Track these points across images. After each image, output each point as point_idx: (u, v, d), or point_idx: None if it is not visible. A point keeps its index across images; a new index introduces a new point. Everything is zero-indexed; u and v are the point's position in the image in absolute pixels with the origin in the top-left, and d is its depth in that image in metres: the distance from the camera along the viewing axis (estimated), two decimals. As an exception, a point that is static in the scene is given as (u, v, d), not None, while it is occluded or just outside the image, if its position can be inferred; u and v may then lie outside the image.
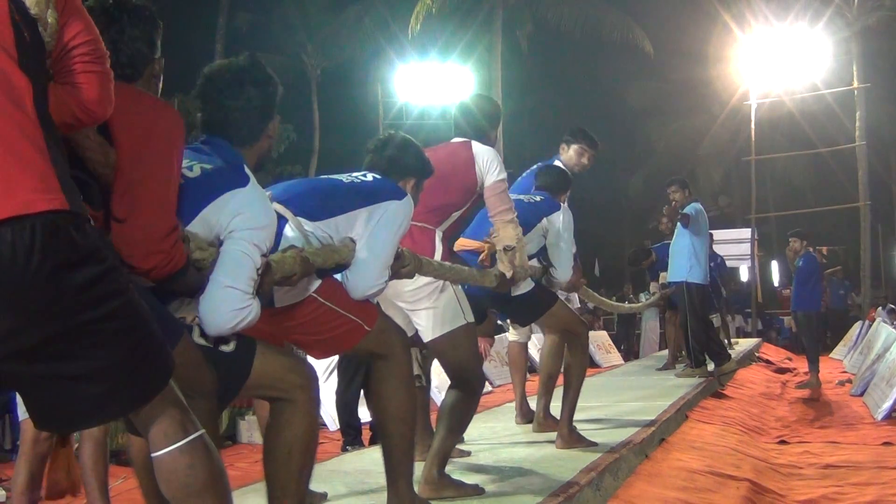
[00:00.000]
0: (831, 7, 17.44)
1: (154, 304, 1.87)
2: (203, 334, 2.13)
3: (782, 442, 5.74)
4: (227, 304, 2.04)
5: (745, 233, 17.46)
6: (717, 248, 17.38)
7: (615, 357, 13.36)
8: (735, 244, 17.43)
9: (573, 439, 4.15)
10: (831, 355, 13.30)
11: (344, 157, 24.44)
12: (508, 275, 3.46)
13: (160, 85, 2.12)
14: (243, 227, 2.06)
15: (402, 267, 2.75)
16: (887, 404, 6.40)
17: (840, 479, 4.42)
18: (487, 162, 3.43)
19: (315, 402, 2.27)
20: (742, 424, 6.08)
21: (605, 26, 19.06)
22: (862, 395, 7.68)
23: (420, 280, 3.09)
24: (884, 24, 17.88)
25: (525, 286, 3.96)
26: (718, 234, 18.25)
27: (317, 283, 2.48)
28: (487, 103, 3.81)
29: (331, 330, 2.53)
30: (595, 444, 4.14)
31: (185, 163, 2.12)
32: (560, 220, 4.23)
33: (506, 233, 3.43)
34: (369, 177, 2.76)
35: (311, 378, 2.28)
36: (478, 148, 3.47)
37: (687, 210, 7.50)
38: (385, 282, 2.63)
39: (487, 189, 3.42)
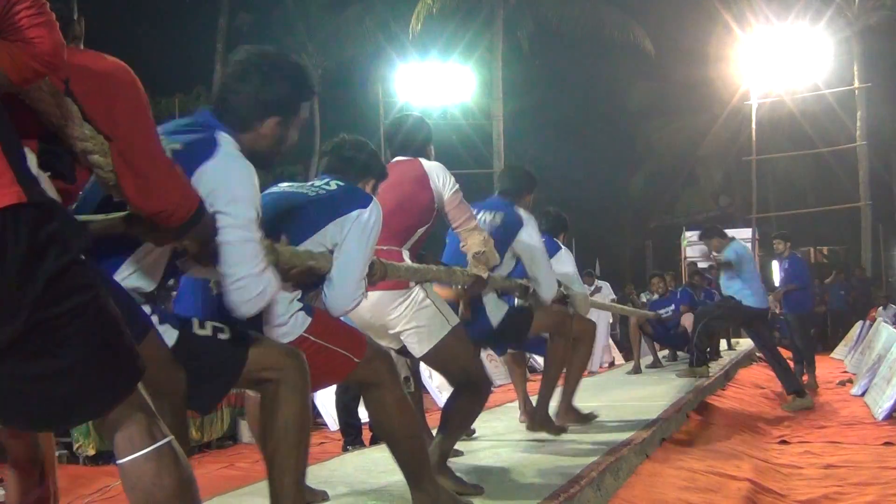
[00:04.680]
0: (832, 7, 17.43)
1: (121, 301, 1.83)
2: (202, 325, 2.14)
3: (783, 442, 5.74)
4: (247, 294, 2.08)
5: (746, 233, 17.42)
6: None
7: (615, 356, 13.36)
8: (736, 244, 17.41)
9: (571, 416, 4.35)
10: (832, 355, 13.30)
11: (344, 157, 24.59)
12: (485, 276, 3.52)
13: (81, 47, 1.96)
14: (224, 205, 2.02)
15: (371, 275, 2.74)
16: (888, 404, 6.39)
17: (841, 479, 4.42)
18: (440, 178, 3.44)
19: (308, 383, 2.27)
20: (743, 424, 6.08)
21: (606, 26, 19.07)
22: (863, 395, 7.67)
23: (400, 306, 3.15)
24: (885, 23, 17.87)
25: (497, 312, 3.98)
26: (719, 234, 18.33)
27: (308, 321, 2.47)
28: (421, 123, 3.77)
29: (322, 367, 2.50)
30: (594, 416, 4.37)
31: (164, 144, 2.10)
32: (526, 236, 4.11)
33: (473, 240, 3.49)
34: (332, 185, 2.71)
35: (305, 361, 2.27)
36: (428, 165, 3.47)
37: (726, 252, 7.50)
38: (363, 293, 2.59)
39: (446, 203, 3.44)
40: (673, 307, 9.39)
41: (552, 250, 4.85)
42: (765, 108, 18.84)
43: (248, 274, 2.06)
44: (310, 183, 2.77)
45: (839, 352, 13.35)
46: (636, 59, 20.99)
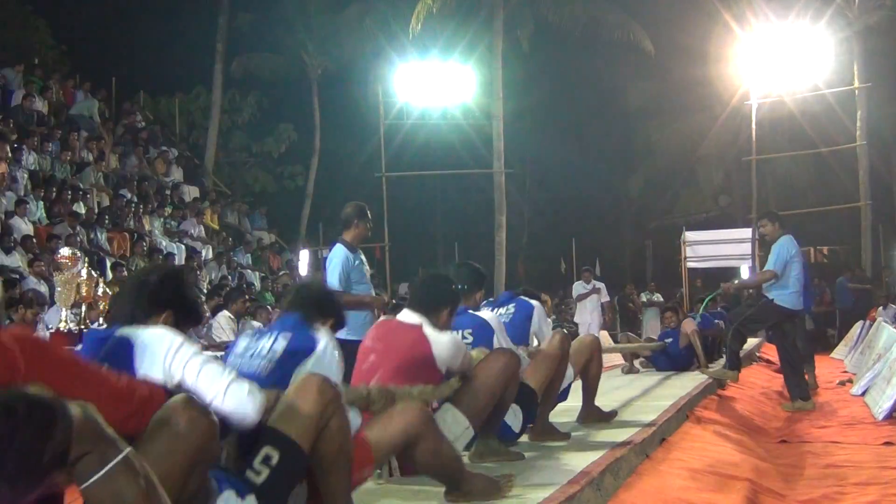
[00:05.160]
0: (832, 6, 17.41)
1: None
2: (257, 471, 2.30)
3: (783, 441, 5.74)
4: (241, 394, 2.25)
5: (746, 233, 17.43)
6: (718, 248, 17.42)
7: (615, 357, 13.33)
8: (736, 244, 17.43)
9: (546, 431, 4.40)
10: (832, 355, 13.29)
11: (344, 157, 24.57)
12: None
13: None
14: (171, 358, 2.25)
15: (369, 404, 2.85)
16: (888, 404, 6.38)
17: (841, 479, 4.42)
18: (450, 358, 3.35)
19: (344, 409, 2.49)
20: (743, 424, 6.07)
21: (606, 26, 19.06)
22: (863, 395, 7.67)
23: None
24: (885, 23, 17.85)
25: (513, 419, 4.05)
26: (719, 234, 18.32)
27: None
28: (443, 284, 3.65)
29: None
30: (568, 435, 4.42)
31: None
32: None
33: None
34: (280, 343, 2.71)
35: (337, 398, 2.45)
36: (436, 340, 3.36)
37: (779, 243, 7.29)
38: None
39: (454, 371, 3.41)
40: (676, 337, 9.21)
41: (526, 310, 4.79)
42: (765, 108, 18.81)
43: (228, 381, 2.24)
44: (258, 348, 2.74)
45: (839, 352, 13.35)
46: (636, 59, 20.98)
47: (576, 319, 14.03)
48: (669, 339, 9.17)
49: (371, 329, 3.58)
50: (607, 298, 13.79)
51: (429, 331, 3.39)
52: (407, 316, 3.50)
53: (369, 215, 5.67)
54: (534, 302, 4.79)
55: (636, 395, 6.73)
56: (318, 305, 2.92)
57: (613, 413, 5.22)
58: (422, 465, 2.97)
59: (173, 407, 2.06)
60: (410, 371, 3.28)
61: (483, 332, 3.98)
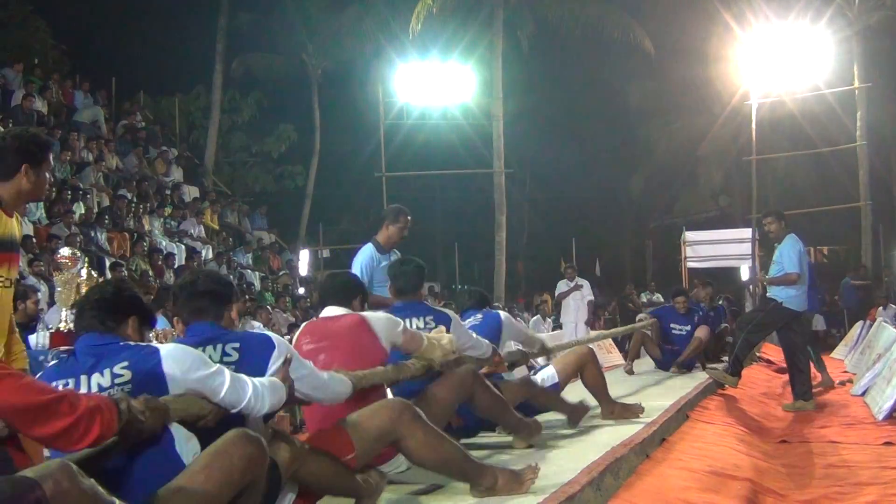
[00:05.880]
0: (832, 6, 17.42)
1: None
2: None
3: (783, 441, 5.74)
4: None
5: (746, 233, 17.43)
6: (718, 248, 17.41)
7: (616, 357, 13.32)
8: (736, 244, 17.41)
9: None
10: (832, 355, 13.28)
11: (344, 157, 24.54)
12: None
13: None
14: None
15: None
16: (888, 404, 6.38)
17: (841, 479, 4.42)
18: (388, 331, 3.43)
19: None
20: (743, 424, 6.07)
21: (606, 26, 19.06)
22: (863, 395, 7.67)
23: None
24: (885, 23, 17.86)
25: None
26: (719, 234, 18.32)
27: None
28: (348, 279, 3.85)
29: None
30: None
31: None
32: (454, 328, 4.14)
33: (435, 354, 3.62)
34: (121, 375, 2.35)
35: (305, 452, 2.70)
36: (373, 320, 3.44)
37: (786, 242, 7.25)
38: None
39: (402, 347, 3.52)
40: (689, 327, 8.93)
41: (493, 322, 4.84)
42: (765, 108, 18.81)
43: None
44: (91, 386, 2.41)
45: (839, 352, 13.34)
46: (637, 59, 20.97)
47: (561, 319, 13.94)
48: (681, 329, 9.01)
49: (301, 335, 3.54)
50: (591, 297, 13.66)
51: (366, 316, 3.47)
52: (331, 311, 3.54)
53: (406, 219, 5.47)
54: (501, 312, 5.03)
55: (636, 394, 6.72)
56: (113, 307, 2.55)
57: (639, 407, 5.34)
58: (421, 461, 2.99)
59: (231, 440, 2.17)
60: (362, 355, 3.32)
61: (442, 320, 4.06)
